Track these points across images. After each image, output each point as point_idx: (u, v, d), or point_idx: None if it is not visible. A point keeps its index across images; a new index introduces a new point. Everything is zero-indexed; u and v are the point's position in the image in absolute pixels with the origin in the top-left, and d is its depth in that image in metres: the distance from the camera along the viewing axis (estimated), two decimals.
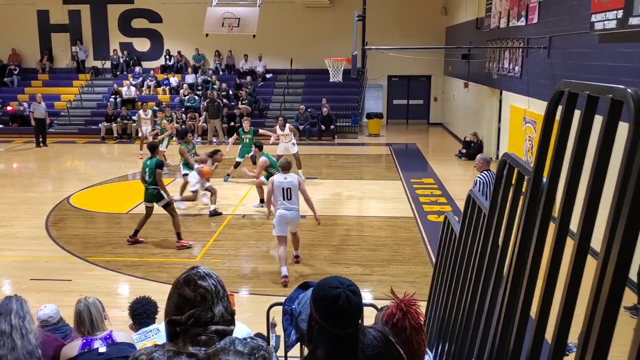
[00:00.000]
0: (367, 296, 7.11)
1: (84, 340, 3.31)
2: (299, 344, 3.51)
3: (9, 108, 20.82)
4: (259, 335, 4.31)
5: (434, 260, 7.74)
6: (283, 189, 7.65)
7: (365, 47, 14.17)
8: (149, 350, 1.84)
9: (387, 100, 23.70)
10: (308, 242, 9.12)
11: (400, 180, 13.42)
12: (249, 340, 1.91)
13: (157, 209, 9.02)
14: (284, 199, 7.66)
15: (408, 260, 8.42)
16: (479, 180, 7.46)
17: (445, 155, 16.95)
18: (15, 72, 22.93)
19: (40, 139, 18.49)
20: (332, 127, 19.47)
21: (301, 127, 18.85)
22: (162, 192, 8.77)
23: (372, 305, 4.99)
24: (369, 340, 1.97)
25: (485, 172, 7.58)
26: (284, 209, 7.66)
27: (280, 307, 3.74)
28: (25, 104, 20.56)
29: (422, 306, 2.77)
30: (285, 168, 7.74)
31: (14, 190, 12.53)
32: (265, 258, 8.56)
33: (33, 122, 18.49)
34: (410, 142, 19.42)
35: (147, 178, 8.80)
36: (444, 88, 22.92)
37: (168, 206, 8.90)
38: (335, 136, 19.44)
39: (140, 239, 9.03)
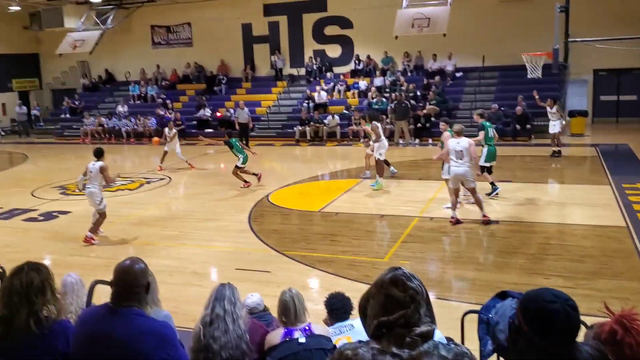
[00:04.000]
0: None
1: (286, 330, 3.47)
2: (495, 355, 3.36)
3: (218, 114, 23.14)
4: (449, 339, 4.15)
5: None
6: (455, 151, 9.47)
7: (569, 39, 13.05)
8: (353, 346, 1.86)
9: (593, 96, 21.59)
10: (502, 249, 8.63)
11: (610, 185, 12.07)
12: (452, 346, 1.87)
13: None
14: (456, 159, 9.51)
15: (619, 274, 7.49)
16: None
17: None
18: (223, 82, 25.38)
19: (244, 142, 20.17)
20: (528, 126, 18.31)
21: (494, 126, 18.04)
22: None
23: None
24: (584, 357, 1.86)
25: None
26: (455, 167, 9.50)
27: (475, 315, 3.57)
28: (232, 110, 22.67)
29: None
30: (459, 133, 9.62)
31: (222, 187, 13.83)
32: (455, 263, 8.27)
33: (237, 127, 20.30)
34: (621, 142, 17.43)
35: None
36: None
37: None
38: (532, 136, 18.24)
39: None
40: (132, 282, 2.69)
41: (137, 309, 2.67)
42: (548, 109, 15.51)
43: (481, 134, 11.14)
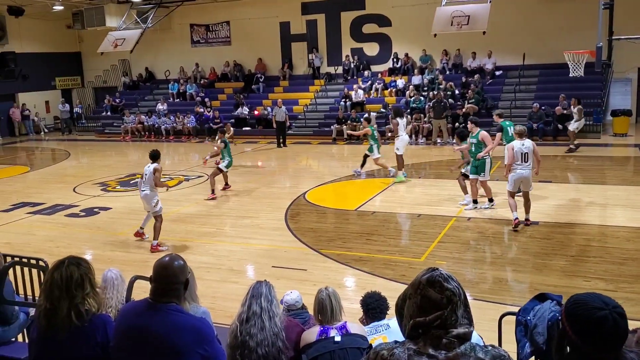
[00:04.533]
0: None
1: (322, 328, 3.48)
2: (533, 357, 3.31)
3: (255, 112, 23.34)
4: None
5: None
6: (522, 153, 9.18)
7: (613, 37, 12.68)
8: (390, 346, 1.87)
9: (638, 95, 20.91)
10: (541, 250, 8.47)
11: None
12: (490, 348, 1.87)
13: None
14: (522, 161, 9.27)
15: None
16: None
17: None
18: (261, 80, 25.56)
19: (281, 140, 20.32)
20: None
21: (534, 126, 17.69)
22: None
23: None
24: None
25: None
26: (521, 169, 9.25)
27: (513, 317, 3.52)
28: (269, 109, 22.83)
29: None
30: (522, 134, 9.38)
31: (258, 185, 13.95)
32: (492, 264, 8.16)
33: (274, 125, 20.43)
34: None
35: None
36: None
37: None
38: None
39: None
40: (171, 279, 2.73)
41: (176, 305, 2.71)
42: (571, 107, 15.98)
43: (499, 135, 11.00)
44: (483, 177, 10.51)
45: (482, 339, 4.04)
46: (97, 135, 25.96)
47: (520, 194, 9.84)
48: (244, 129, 22.87)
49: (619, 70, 20.49)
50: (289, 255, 8.77)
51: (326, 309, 3.53)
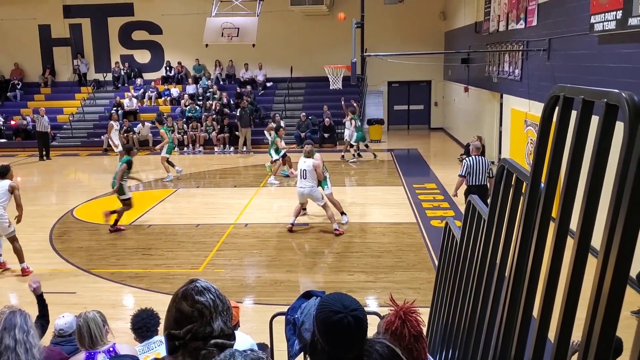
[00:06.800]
0: (371, 304, 7.10)
1: (87, 354, 3.31)
2: (302, 354, 3.52)
3: (12, 122, 20.92)
4: (261, 345, 4.29)
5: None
6: (301, 170, 9.80)
7: (365, 54, 14.24)
8: None
9: (388, 106, 23.73)
10: (310, 249, 9.13)
11: (403, 186, 13.41)
12: (249, 352, 1.87)
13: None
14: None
15: (412, 266, 8.39)
16: (465, 163, 8.79)
17: (447, 159, 16.94)
18: (18, 87, 23.04)
19: (44, 152, 18.54)
20: (333, 134, 19.50)
21: (302, 135, 18.87)
22: None
23: (375, 313, 4.99)
24: (374, 358, 1.93)
25: (473, 156, 8.85)
26: (300, 187, 9.83)
27: (284, 317, 3.74)
28: (29, 118, 20.66)
29: (424, 313, 2.76)
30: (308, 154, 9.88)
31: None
32: (269, 267, 8.55)
33: (37, 136, 18.55)
34: (411, 147, 19.44)
35: None
36: (444, 93, 22.95)
37: None
38: (337, 143, 19.46)
39: None
40: None
41: None
42: (347, 120, 17.34)
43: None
44: (327, 190, 10.49)
45: (260, 345, 4.24)
46: None
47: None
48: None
49: (372, 84, 23.02)
50: (55, 278, 8.09)
51: (83, 335, 3.35)
